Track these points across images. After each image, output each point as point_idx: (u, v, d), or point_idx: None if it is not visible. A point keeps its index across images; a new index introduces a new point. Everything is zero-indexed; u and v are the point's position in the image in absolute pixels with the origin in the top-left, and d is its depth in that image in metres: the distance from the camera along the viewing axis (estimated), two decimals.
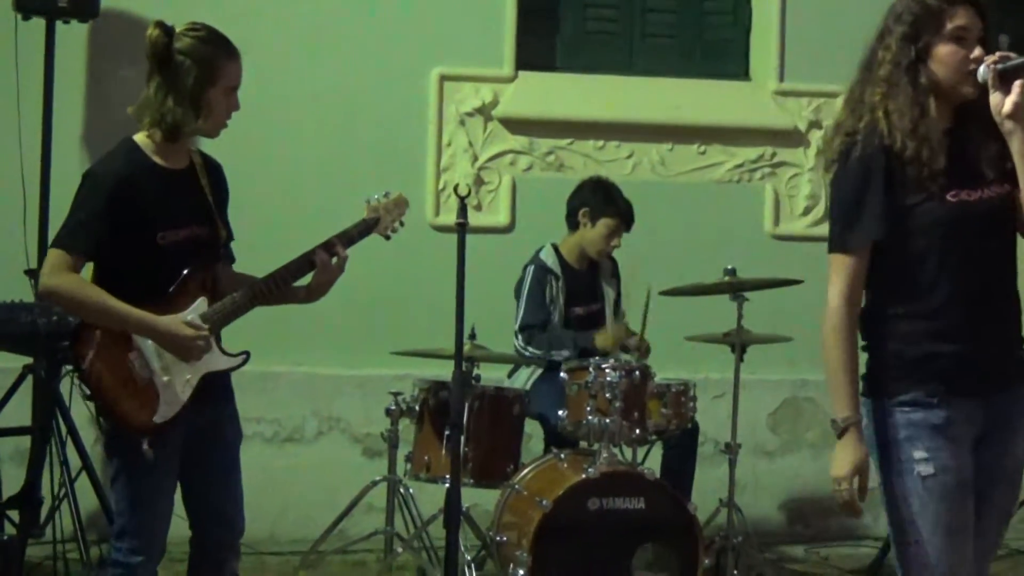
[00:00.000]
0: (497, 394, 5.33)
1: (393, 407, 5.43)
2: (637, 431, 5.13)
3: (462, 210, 4.21)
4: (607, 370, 5.10)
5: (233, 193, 3.95)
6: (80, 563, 5.08)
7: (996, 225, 3.16)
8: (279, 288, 3.81)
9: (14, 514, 5.12)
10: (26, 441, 5.25)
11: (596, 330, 5.74)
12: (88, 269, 3.65)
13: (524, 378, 5.70)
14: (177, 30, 3.67)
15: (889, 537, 5.68)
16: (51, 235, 5.34)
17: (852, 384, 3.14)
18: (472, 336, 5.20)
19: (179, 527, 3.83)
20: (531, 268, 5.76)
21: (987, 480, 3.16)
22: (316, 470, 6.38)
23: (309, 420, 6.49)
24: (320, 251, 3.84)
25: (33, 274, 5.50)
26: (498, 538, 5.10)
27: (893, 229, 3.12)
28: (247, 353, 3.80)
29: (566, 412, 5.19)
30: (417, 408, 5.33)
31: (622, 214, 5.79)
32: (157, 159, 3.68)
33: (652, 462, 5.59)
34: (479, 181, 6.63)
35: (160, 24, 3.65)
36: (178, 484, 3.78)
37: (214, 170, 3.87)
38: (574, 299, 5.80)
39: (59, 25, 5.83)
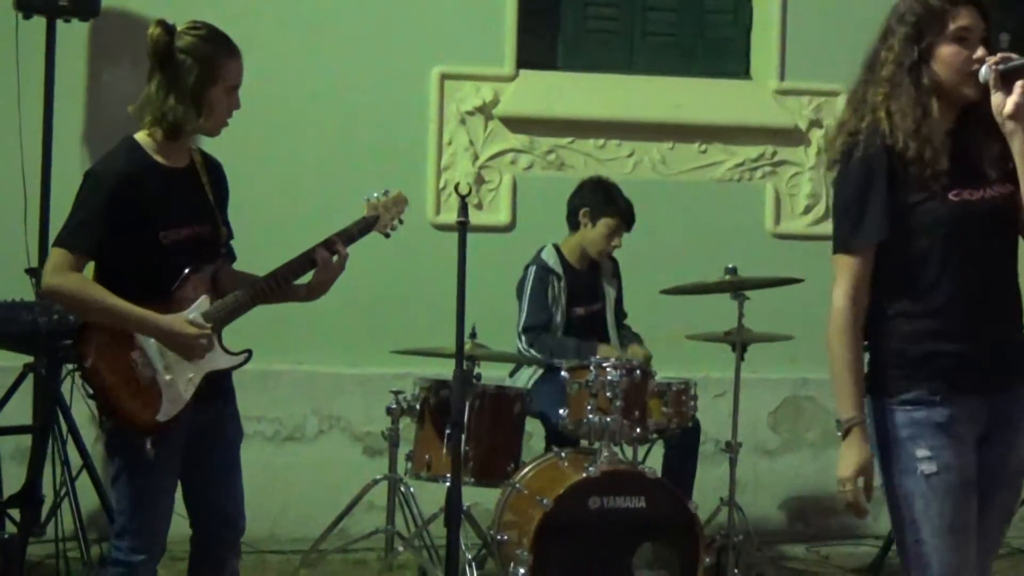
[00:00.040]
0: (498, 393, 5.33)
1: (394, 406, 5.43)
2: (638, 430, 5.13)
3: (463, 209, 4.21)
4: (608, 369, 5.10)
5: (234, 192, 3.95)
6: (81, 562, 5.08)
7: (998, 225, 3.16)
8: (280, 286, 3.81)
9: (15, 513, 5.12)
10: (27, 440, 5.25)
11: (600, 339, 5.73)
12: (89, 268, 3.65)
13: (525, 379, 5.70)
14: (178, 29, 3.67)
15: (890, 536, 5.70)
16: (52, 234, 5.35)
17: (857, 385, 3.14)
18: (473, 335, 5.20)
19: (180, 525, 3.83)
20: (533, 268, 5.75)
21: (989, 479, 3.16)
22: (317, 469, 6.38)
23: (310, 419, 6.49)
24: (321, 249, 3.84)
25: (34, 273, 5.50)
26: (499, 537, 5.10)
27: (895, 228, 3.12)
28: (249, 351, 3.81)
29: (567, 411, 5.19)
30: (418, 407, 5.34)
31: (622, 214, 5.79)
32: (158, 158, 3.68)
33: (654, 461, 5.59)
34: (480, 180, 6.63)
35: (161, 23, 3.65)
36: (179, 483, 3.78)
37: (214, 169, 3.87)
38: (576, 299, 5.80)
39: (60, 24, 5.83)
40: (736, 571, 5.37)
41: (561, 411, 5.21)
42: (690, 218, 6.75)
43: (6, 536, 4.93)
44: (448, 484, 4.28)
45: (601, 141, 6.77)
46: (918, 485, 3.09)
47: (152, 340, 3.62)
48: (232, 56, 3.69)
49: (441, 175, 6.60)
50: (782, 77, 6.89)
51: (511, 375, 5.81)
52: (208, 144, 3.92)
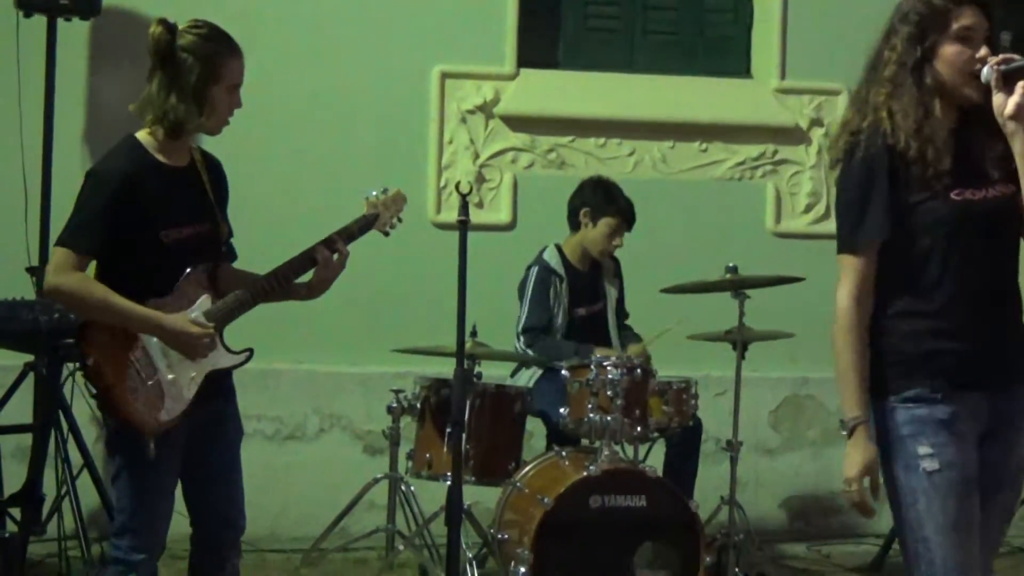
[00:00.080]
0: (498, 392, 5.33)
1: (395, 404, 5.43)
2: (638, 429, 5.13)
3: (463, 208, 4.21)
4: (609, 368, 5.10)
5: (235, 191, 3.95)
6: (81, 560, 5.08)
7: (1000, 225, 3.16)
8: (281, 285, 3.81)
9: (16, 511, 5.13)
10: (28, 439, 5.25)
11: (598, 341, 5.72)
12: (90, 268, 3.64)
13: (526, 379, 5.69)
14: (180, 27, 3.66)
15: (891, 535, 5.70)
16: (53, 233, 5.36)
17: (862, 384, 3.14)
18: (473, 334, 5.20)
19: (180, 524, 3.83)
20: (535, 269, 5.75)
21: (990, 478, 3.16)
22: (317, 468, 6.38)
23: (310, 417, 6.49)
24: (321, 248, 3.84)
25: (35, 271, 5.51)
26: (499, 536, 5.10)
27: (897, 228, 3.12)
28: (251, 350, 3.81)
29: (568, 410, 5.19)
30: (418, 406, 5.34)
31: (623, 213, 5.78)
32: (160, 157, 3.67)
33: (655, 460, 5.58)
34: (480, 179, 6.63)
35: (163, 21, 3.64)
36: (179, 481, 3.78)
37: (214, 167, 3.87)
38: (577, 299, 5.79)
39: (60, 22, 5.83)
40: (737, 570, 5.37)
41: (562, 410, 5.21)
42: (691, 217, 6.75)
43: (7, 535, 4.93)
44: (449, 483, 4.29)
45: (602, 140, 6.77)
46: (920, 482, 3.09)
47: (155, 339, 3.62)
48: (234, 55, 3.69)
49: (442, 174, 6.60)
50: (783, 76, 6.89)
51: (512, 375, 5.81)
52: (209, 143, 3.92)
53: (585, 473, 4.91)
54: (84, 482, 5.20)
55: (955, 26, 3.12)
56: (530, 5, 6.75)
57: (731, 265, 5.42)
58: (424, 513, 5.46)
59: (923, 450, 3.09)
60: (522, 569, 4.80)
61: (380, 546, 5.66)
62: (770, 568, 5.67)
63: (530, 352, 5.63)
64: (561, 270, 5.74)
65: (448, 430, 4.91)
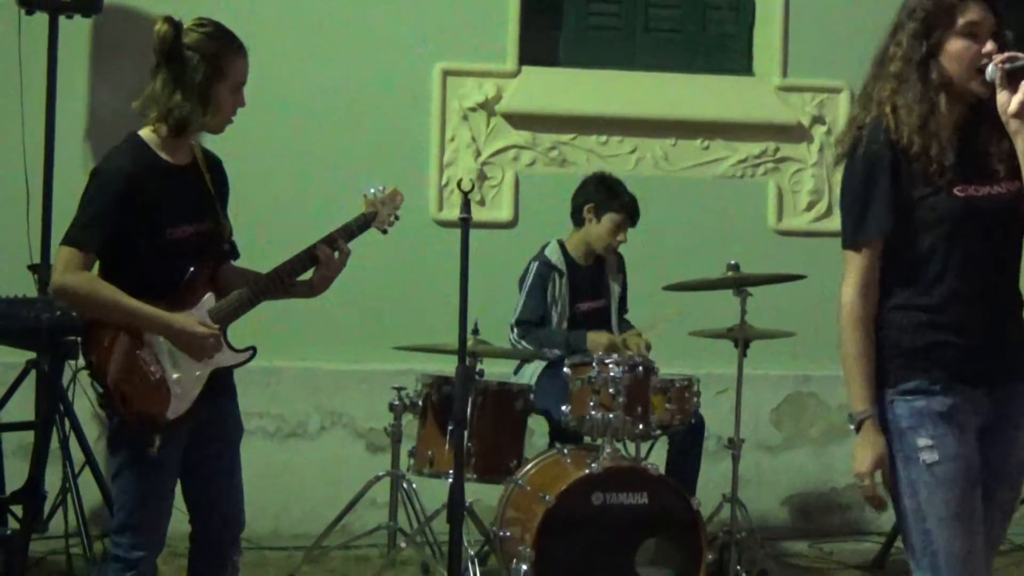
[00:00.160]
0: (500, 389, 5.33)
1: (396, 402, 5.43)
2: (640, 426, 5.12)
3: (465, 205, 4.21)
4: (610, 365, 5.10)
5: (237, 188, 3.95)
6: (83, 558, 5.08)
7: (1004, 221, 3.15)
8: (282, 283, 3.81)
9: (18, 509, 5.13)
10: (29, 436, 5.26)
11: (589, 327, 5.73)
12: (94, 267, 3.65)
13: (528, 376, 5.69)
14: (185, 25, 3.66)
15: (893, 532, 5.69)
16: (54, 230, 5.39)
17: (868, 379, 3.14)
18: (475, 331, 5.19)
19: (181, 522, 3.83)
20: (535, 264, 5.75)
21: (990, 476, 3.15)
22: (319, 465, 6.38)
23: (312, 415, 6.49)
24: (322, 246, 3.84)
25: (36, 269, 5.51)
26: (501, 533, 5.11)
27: (900, 223, 3.12)
28: (254, 348, 3.81)
29: (570, 407, 5.19)
30: (420, 403, 5.34)
31: (627, 209, 5.78)
32: (163, 155, 3.67)
33: (657, 458, 5.58)
34: (482, 176, 6.63)
35: (169, 19, 3.64)
36: (178, 479, 3.78)
37: (215, 165, 3.87)
38: (579, 295, 5.79)
39: (62, 20, 5.83)
40: (739, 568, 5.37)
41: (564, 407, 5.21)
42: (692, 214, 6.75)
43: (8, 532, 4.93)
44: (451, 480, 4.28)
45: (603, 137, 6.76)
46: (921, 474, 3.09)
47: (161, 338, 3.62)
48: (239, 54, 3.69)
49: (444, 171, 6.60)
50: (784, 73, 6.88)
51: (515, 372, 5.81)
52: (212, 141, 3.91)
53: (587, 471, 4.91)
54: (86, 479, 5.20)
55: (961, 22, 3.12)
56: (532, 3, 6.75)
57: (733, 263, 5.42)
58: (426, 511, 5.46)
59: (922, 442, 3.09)
60: (524, 567, 4.80)
61: (382, 544, 5.66)
62: (772, 566, 5.67)
63: (522, 343, 5.63)
64: (562, 265, 5.74)
65: (450, 427, 4.95)
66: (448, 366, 4.76)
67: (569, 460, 5.16)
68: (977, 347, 3.12)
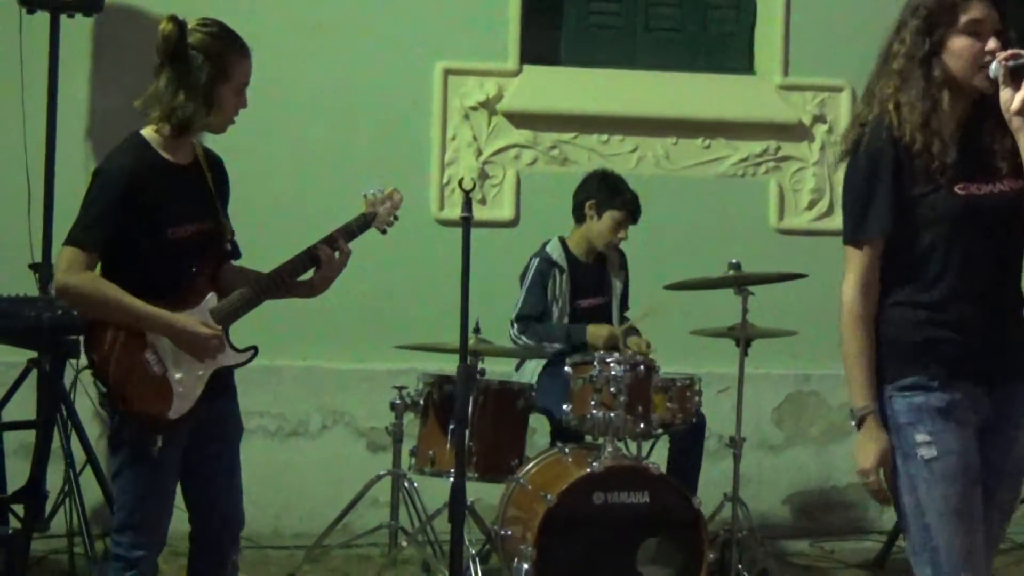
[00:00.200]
0: (501, 388, 5.33)
1: (398, 401, 5.44)
2: (642, 425, 5.12)
3: (466, 204, 4.21)
4: (612, 364, 5.10)
5: (238, 188, 3.95)
6: (85, 557, 5.08)
7: (1005, 220, 3.15)
8: (284, 283, 3.82)
9: (19, 508, 5.13)
10: (31, 435, 5.26)
11: (589, 321, 5.73)
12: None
13: (530, 372, 5.69)
14: (189, 25, 3.66)
15: (895, 531, 5.69)
16: (56, 229, 5.39)
17: (869, 375, 3.14)
18: (476, 330, 5.19)
19: (182, 521, 3.83)
20: (536, 260, 5.75)
21: (990, 476, 3.15)
22: (320, 464, 6.38)
23: (313, 414, 6.49)
24: (323, 246, 3.84)
25: (38, 268, 5.51)
26: (502, 532, 5.11)
27: (901, 220, 3.12)
28: (255, 348, 3.81)
29: (571, 406, 5.19)
30: (421, 402, 5.34)
31: (628, 206, 5.78)
32: (165, 154, 3.67)
33: (658, 457, 5.58)
34: (483, 175, 6.63)
35: (173, 18, 3.63)
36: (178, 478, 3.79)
37: (216, 165, 3.87)
38: (580, 292, 5.79)
39: (63, 19, 5.83)
40: (740, 566, 5.37)
41: (565, 406, 5.21)
42: (694, 213, 6.75)
43: (10, 532, 4.93)
44: (452, 479, 4.28)
45: (605, 136, 6.76)
46: (919, 470, 3.09)
47: (163, 338, 3.62)
48: (243, 55, 3.69)
49: (445, 170, 6.60)
50: (786, 72, 6.87)
51: (516, 369, 5.81)
52: (214, 140, 3.91)
53: (588, 470, 4.91)
54: (87, 479, 5.20)
55: (964, 19, 3.12)
56: (533, 2, 6.74)
57: (734, 262, 5.42)
58: (427, 509, 5.46)
59: (920, 438, 3.09)
60: (525, 565, 4.80)
61: (383, 543, 5.67)
62: (773, 565, 5.67)
63: (522, 338, 5.63)
64: (563, 262, 5.74)
65: (451, 426, 4.95)
66: (449, 365, 4.76)
67: (570, 459, 5.16)
68: (977, 346, 3.12)
